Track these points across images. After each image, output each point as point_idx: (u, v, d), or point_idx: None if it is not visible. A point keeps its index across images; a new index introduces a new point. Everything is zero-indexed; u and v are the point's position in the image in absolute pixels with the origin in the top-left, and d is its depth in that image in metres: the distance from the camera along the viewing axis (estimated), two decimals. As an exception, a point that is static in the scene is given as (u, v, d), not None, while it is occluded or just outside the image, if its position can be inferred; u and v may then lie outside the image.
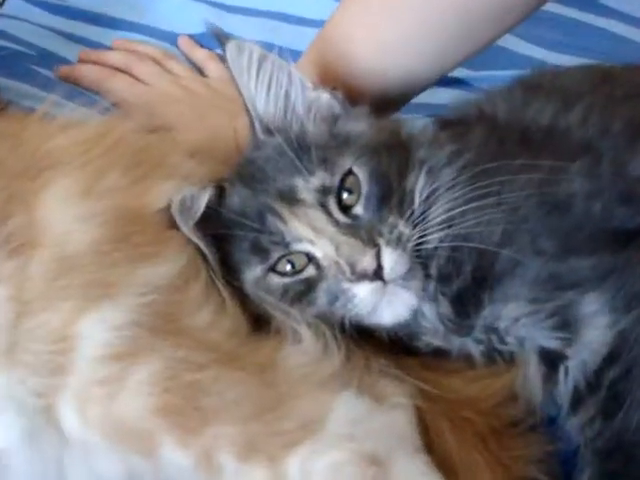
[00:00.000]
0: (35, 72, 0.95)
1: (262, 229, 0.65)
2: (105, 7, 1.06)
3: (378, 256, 0.63)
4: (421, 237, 0.65)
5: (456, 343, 0.66)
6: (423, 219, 0.65)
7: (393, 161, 0.67)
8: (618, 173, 0.68)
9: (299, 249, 0.65)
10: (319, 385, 0.60)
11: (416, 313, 0.65)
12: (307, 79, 0.71)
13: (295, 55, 0.76)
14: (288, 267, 0.65)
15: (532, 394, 0.65)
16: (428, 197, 0.66)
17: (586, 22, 1.02)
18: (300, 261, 0.65)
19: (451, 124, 0.74)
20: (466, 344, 0.66)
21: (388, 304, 0.64)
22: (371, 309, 0.64)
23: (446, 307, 0.65)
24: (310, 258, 0.65)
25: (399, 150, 0.68)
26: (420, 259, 0.65)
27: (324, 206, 0.65)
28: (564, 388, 0.64)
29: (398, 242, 0.64)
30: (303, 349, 0.62)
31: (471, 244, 0.64)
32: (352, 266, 0.63)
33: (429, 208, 0.65)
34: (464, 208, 0.64)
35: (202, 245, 0.65)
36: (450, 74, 0.88)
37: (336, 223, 0.64)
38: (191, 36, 1.02)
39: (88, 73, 0.95)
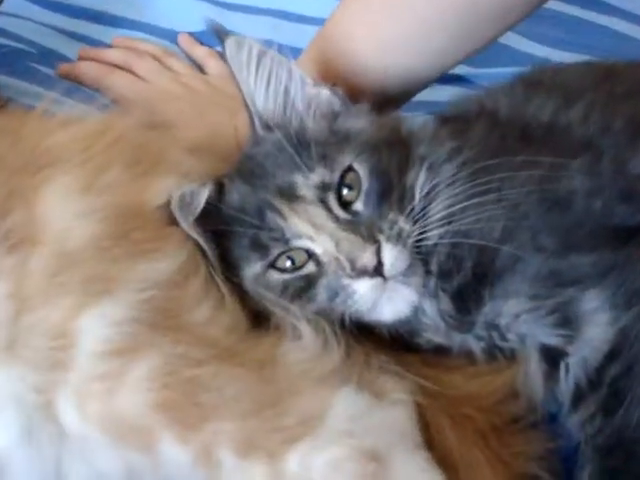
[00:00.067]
0: (35, 70, 0.95)
1: (262, 225, 0.65)
2: (105, 5, 1.06)
3: (378, 252, 0.63)
4: (421, 233, 0.64)
5: (457, 340, 0.66)
6: (423, 215, 0.65)
7: (393, 158, 0.67)
8: (619, 171, 0.68)
9: (299, 245, 0.65)
10: (319, 381, 0.60)
11: (416, 309, 0.65)
12: (307, 75, 0.71)
13: (295, 53, 0.76)
14: (288, 263, 0.65)
15: (533, 391, 0.65)
16: (428, 193, 0.66)
17: (588, 20, 1.02)
18: (300, 257, 0.65)
19: (451, 120, 0.73)
20: (467, 341, 0.66)
21: (388, 300, 0.64)
22: (371, 305, 0.64)
23: (446, 303, 0.65)
24: (310, 254, 0.65)
25: (399, 147, 0.68)
26: (420, 255, 0.65)
27: (324, 202, 0.65)
28: (565, 385, 0.64)
29: (398, 238, 0.64)
30: (303, 345, 0.62)
31: (471, 240, 0.64)
32: (352, 262, 0.63)
33: (429, 204, 0.65)
34: (464, 204, 0.64)
35: (201, 241, 0.65)
36: (451, 71, 0.88)
37: (336, 219, 0.64)
38: (191, 34, 1.02)
39: (88, 70, 0.95)
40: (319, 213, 0.64)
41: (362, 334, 0.65)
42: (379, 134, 0.69)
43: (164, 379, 0.58)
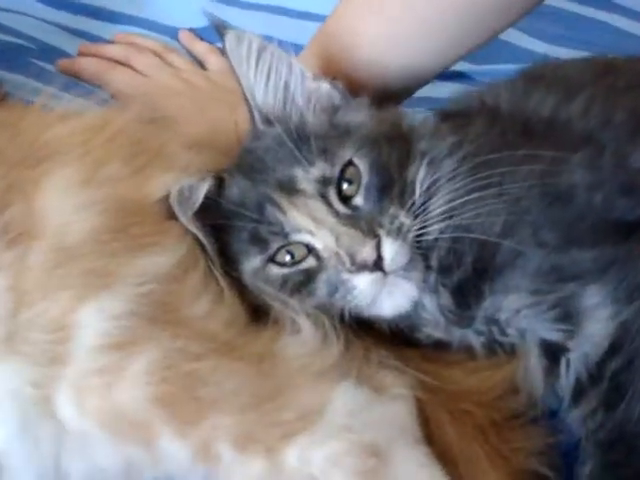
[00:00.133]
0: (35, 65, 0.95)
1: (261, 219, 0.65)
2: (105, 1, 1.05)
3: (378, 247, 0.63)
4: (422, 228, 0.64)
5: (457, 335, 0.66)
6: (424, 210, 0.65)
7: (394, 152, 0.67)
8: (619, 165, 0.68)
9: (298, 240, 0.65)
10: (318, 375, 0.60)
11: (416, 304, 0.65)
12: (307, 69, 0.71)
13: (296, 49, 0.76)
14: (287, 258, 0.65)
15: (533, 386, 0.64)
16: (429, 188, 0.65)
17: (587, 16, 1.02)
18: (299, 252, 0.65)
19: (452, 116, 0.73)
20: (467, 336, 0.66)
21: (388, 295, 0.63)
22: (371, 300, 0.63)
23: (447, 298, 0.65)
24: (310, 249, 0.65)
25: (400, 141, 0.68)
26: (421, 250, 0.64)
27: (324, 197, 0.65)
28: (566, 380, 0.64)
29: (398, 233, 0.63)
30: (302, 339, 0.62)
31: (472, 235, 0.64)
32: (352, 257, 0.63)
33: (430, 199, 0.65)
34: (465, 199, 0.64)
35: (200, 235, 0.65)
36: (452, 68, 0.88)
37: (336, 214, 0.64)
38: (192, 30, 1.02)
39: (88, 66, 0.94)
40: (319, 207, 0.64)
41: (362, 329, 0.65)
42: (379, 128, 0.68)
43: (163, 373, 0.57)
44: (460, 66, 0.91)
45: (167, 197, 0.65)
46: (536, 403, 0.64)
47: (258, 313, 0.65)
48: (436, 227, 0.64)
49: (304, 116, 0.69)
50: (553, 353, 0.64)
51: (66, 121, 0.68)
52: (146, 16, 1.04)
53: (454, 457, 0.61)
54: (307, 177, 0.65)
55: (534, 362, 0.64)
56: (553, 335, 0.64)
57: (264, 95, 0.69)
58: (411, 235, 0.64)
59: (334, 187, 0.65)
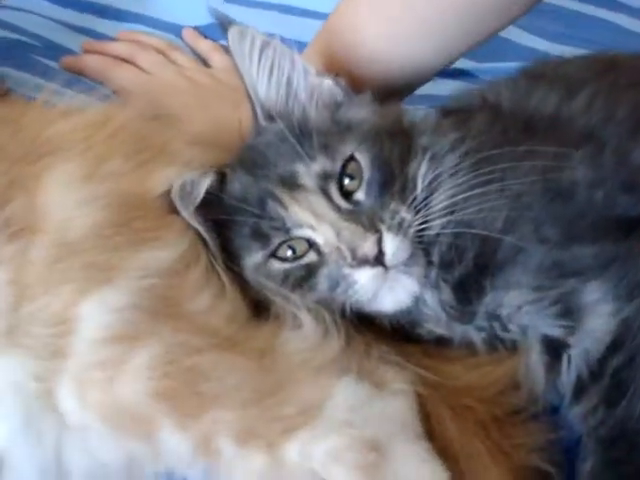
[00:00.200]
0: (40, 62, 0.95)
1: (263, 215, 0.65)
2: (110, -1, 1.06)
3: (379, 242, 0.63)
4: (423, 223, 0.64)
5: (458, 331, 0.66)
6: (425, 205, 0.65)
7: (395, 148, 0.67)
8: (621, 162, 0.68)
9: (300, 235, 0.65)
10: (319, 370, 0.60)
11: (418, 300, 0.65)
12: (310, 65, 0.71)
13: (300, 47, 0.76)
14: (289, 253, 0.65)
15: (534, 382, 0.64)
16: (431, 183, 0.65)
17: (587, 14, 1.02)
18: (301, 247, 0.65)
19: (454, 113, 0.73)
20: (468, 331, 0.65)
21: (389, 290, 0.63)
22: (372, 295, 0.63)
23: (448, 294, 0.65)
24: (311, 244, 0.65)
25: (401, 137, 0.68)
26: (422, 245, 0.64)
27: (325, 191, 0.65)
28: (567, 377, 0.64)
29: (400, 228, 0.63)
30: (303, 334, 0.62)
31: (473, 230, 0.64)
32: (353, 251, 0.63)
33: (431, 194, 0.65)
34: (467, 194, 0.64)
35: (202, 230, 0.65)
36: (454, 65, 0.88)
37: (337, 209, 0.64)
38: (196, 28, 1.02)
39: (92, 63, 0.95)
40: (320, 202, 0.64)
41: (363, 324, 0.65)
42: (381, 124, 0.68)
43: (164, 367, 0.58)
44: (462, 64, 0.91)
45: (169, 192, 0.65)
46: (537, 399, 0.64)
47: (259, 308, 0.65)
48: (437, 222, 0.64)
49: (306, 112, 0.69)
50: (554, 349, 0.64)
51: (68, 117, 0.68)
52: (150, 14, 1.04)
53: (455, 453, 0.61)
54: (308, 172, 0.65)
55: (535, 358, 0.64)
56: (554, 331, 0.64)
57: (267, 90, 0.69)
58: (412, 230, 0.64)
59: (335, 182, 0.65)
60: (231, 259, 0.66)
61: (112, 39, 1.01)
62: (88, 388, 0.58)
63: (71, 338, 0.58)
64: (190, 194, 0.65)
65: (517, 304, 0.64)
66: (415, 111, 0.76)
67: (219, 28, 0.72)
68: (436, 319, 0.65)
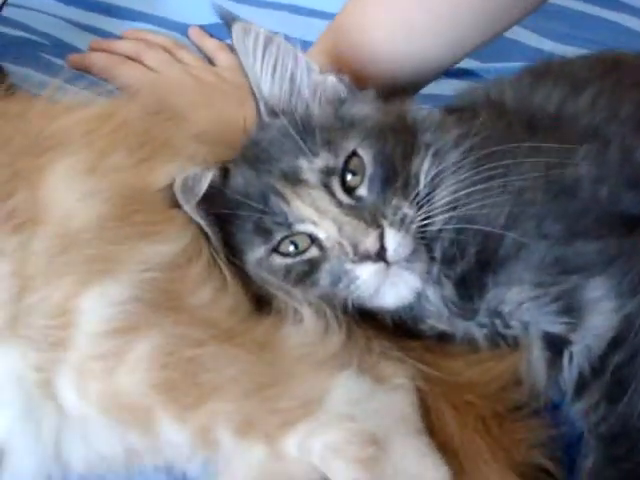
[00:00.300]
0: (47, 60, 0.96)
1: (265, 210, 0.65)
2: (118, -2, 1.07)
3: (381, 237, 0.63)
4: (426, 219, 0.64)
5: (460, 327, 0.66)
6: (428, 201, 0.65)
7: (398, 144, 0.67)
8: (625, 158, 0.67)
9: (302, 230, 0.65)
10: (319, 364, 0.60)
11: (420, 296, 0.65)
12: (314, 62, 0.71)
13: (305, 46, 0.76)
14: (291, 248, 0.65)
15: (536, 379, 0.64)
16: (433, 179, 0.65)
17: (592, 14, 1.03)
18: (303, 242, 0.65)
19: (458, 110, 0.73)
20: (470, 328, 0.65)
21: (391, 286, 0.63)
22: (374, 291, 0.63)
23: (450, 290, 0.65)
24: (313, 239, 0.65)
25: (405, 134, 0.68)
26: (424, 241, 0.64)
27: (327, 187, 0.65)
28: (568, 374, 0.64)
29: (402, 224, 0.63)
30: (304, 328, 0.62)
31: (476, 226, 0.63)
32: (355, 247, 0.63)
33: (434, 190, 0.65)
34: (470, 190, 0.64)
35: (204, 224, 0.65)
36: (459, 65, 0.88)
37: (339, 204, 0.64)
38: (202, 27, 1.03)
39: (98, 61, 0.95)
40: (322, 197, 0.64)
41: (364, 320, 0.65)
42: (385, 120, 0.68)
43: (164, 359, 0.58)
44: (466, 64, 0.92)
45: (171, 186, 0.65)
46: (539, 395, 0.64)
47: (261, 303, 0.65)
48: (440, 218, 0.64)
49: (310, 108, 0.69)
50: (556, 346, 0.64)
51: (72, 112, 0.68)
52: (157, 13, 1.05)
53: (455, 448, 0.61)
54: (311, 167, 0.65)
55: (537, 355, 0.64)
56: (556, 328, 0.63)
57: (270, 87, 0.69)
58: (414, 226, 0.64)
59: (338, 177, 0.65)
60: (233, 254, 0.66)
61: (119, 38, 1.02)
62: (88, 379, 0.58)
63: (72, 329, 0.58)
64: (192, 188, 0.65)
65: (519, 300, 0.64)
66: (419, 110, 0.76)
67: (224, 26, 0.72)
68: (438, 315, 0.65)
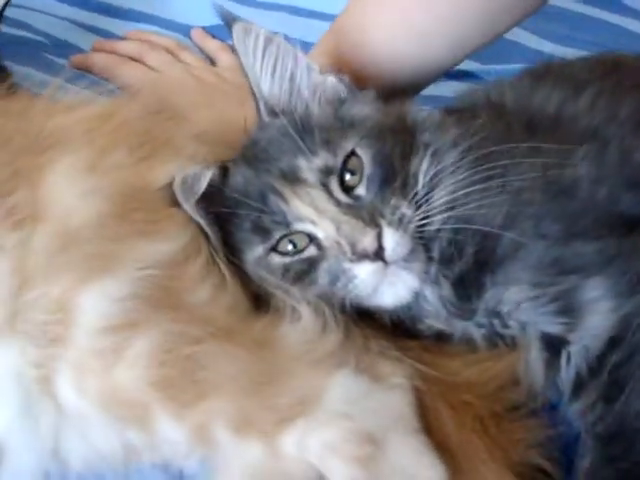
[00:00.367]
0: (50, 61, 0.96)
1: (264, 209, 0.65)
2: (121, -1, 1.07)
3: (379, 237, 0.63)
4: (424, 219, 0.64)
5: (458, 327, 0.66)
6: (426, 201, 0.65)
7: (397, 144, 0.67)
8: (624, 159, 0.68)
9: (300, 229, 0.65)
10: (317, 363, 0.60)
11: (418, 295, 0.65)
12: (314, 63, 0.71)
13: (306, 47, 0.77)
14: (289, 247, 0.65)
15: (534, 379, 0.64)
16: (432, 179, 0.66)
17: (592, 16, 1.03)
18: (301, 241, 0.65)
19: (457, 111, 0.73)
20: (468, 328, 0.65)
21: (389, 285, 0.64)
22: (372, 290, 0.63)
23: (448, 290, 0.65)
24: (311, 238, 0.65)
25: (404, 134, 0.68)
26: (423, 241, 0.64)
27: (326, 186, 0.65)
28: (566, 374, 0.64)
29: (400, 223, 0.64)
30: (302, 327, 0.62)
31: (474, 226, 0.64)
32: (353, 246, 0.63)
33: (432, 190, 0.65)
34: (468, 190, 0.64)
35: (203, 222, 0.65)
36: (459, 67, 0.89)
37: (337, 203, 0.64)
38: (204, 28, 1.03)
39: (100, 61, 0.96)
40: (321, 197, 0.64)
41: (362, 319, 0.65)
42: (384, 121, 0.69)
43: (162, 356, 0.58)
44: (466, 65, 0.92)
45: (171, 184, 0.65)
46: (536, 395, 0.64)
47: (259, 302, 0.65)
48: (438, 218, 0.64)
49: (309, 108, 0.70)
50: (554, 346, 0.64)
51: (73, 111, 0.68)
52: (159, 14, 1.06)
53: (453, 448, 0.61)
54: (310, 167, 0.65)
55: (535, 355, 0.64)
56: (554, 328, 0.63)
57: (270, 86, 0.70)
58: (412, 226, 0.64)
59: (336, 177, 0.65)
60: (232, 252, 0.66)
61: (122, 39, 1.02)
62: (86, 375, 0.58)
63: (71, 326, 0.58)
64: (192, 187, 0.65)
65: (517, 300, 0.64)
66: (419, 111, 0.76)
67: (225, 27, 0.72)
68: (436, 315, 0.65)
